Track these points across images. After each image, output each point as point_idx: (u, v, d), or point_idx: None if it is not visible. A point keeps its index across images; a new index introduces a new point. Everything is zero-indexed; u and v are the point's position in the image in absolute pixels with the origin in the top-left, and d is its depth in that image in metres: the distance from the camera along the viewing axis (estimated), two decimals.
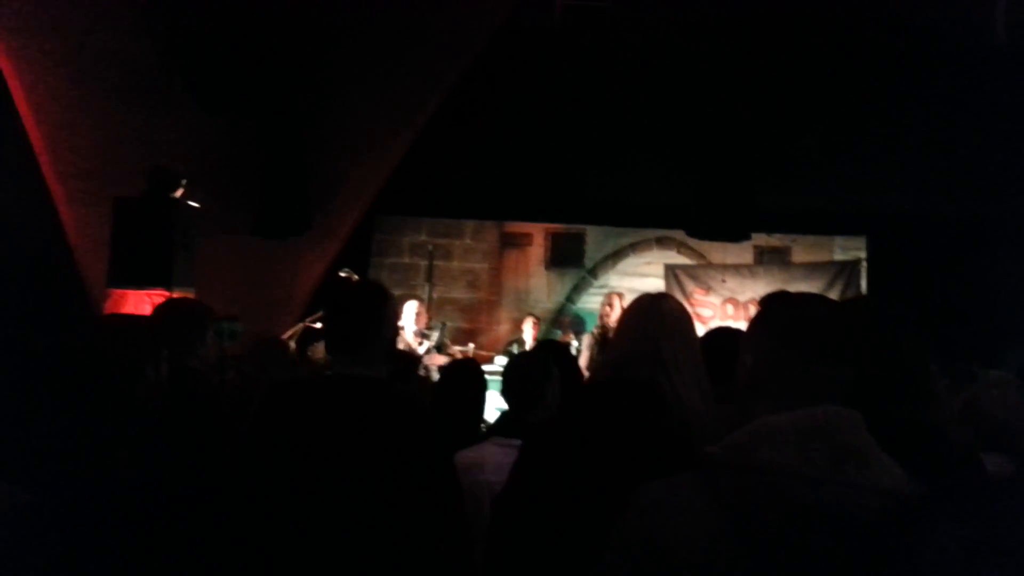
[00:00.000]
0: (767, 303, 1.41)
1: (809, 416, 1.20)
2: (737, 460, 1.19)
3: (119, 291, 5.60)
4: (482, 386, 3.20)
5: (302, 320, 6.38)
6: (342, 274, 6.48)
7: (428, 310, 7.34)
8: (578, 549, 1.79)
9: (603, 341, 6.78)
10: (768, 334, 1.34)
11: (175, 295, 5.22)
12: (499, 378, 2.90)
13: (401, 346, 6.47)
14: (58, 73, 5.97)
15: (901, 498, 1.14)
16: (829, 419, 1.20)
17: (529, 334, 7.58)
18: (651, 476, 1.35)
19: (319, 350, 5.82)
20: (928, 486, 1.17)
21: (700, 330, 2.33)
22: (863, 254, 8.97)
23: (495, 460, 2.52)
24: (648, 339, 2.03)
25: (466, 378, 3.19)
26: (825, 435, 1.18)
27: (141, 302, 5.29)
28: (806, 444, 1.16)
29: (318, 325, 6.14)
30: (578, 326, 8.52)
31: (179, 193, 5.58)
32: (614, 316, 7.06)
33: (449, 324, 8.87)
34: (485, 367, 7.17)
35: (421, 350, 6.59)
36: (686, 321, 2.12)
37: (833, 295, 8.44)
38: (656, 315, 2.08)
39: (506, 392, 2.80)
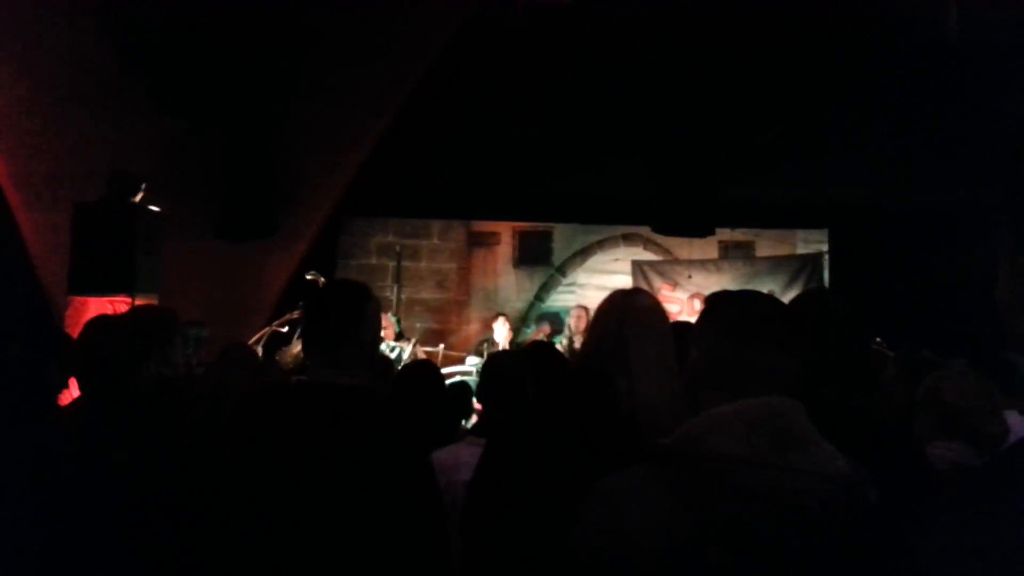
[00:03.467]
0: (712, 300, 1.47)
1: (754, 407, 1.26)
2: (687, 449, 1.24)
3: (81, 298, 5.51)
4: (439, 385, 3.18)
5: (269, 324, 6.33)
6: (309, 276, 6.44)
7: (398, 311, 7.32)
8: (537, 539, 1.82)
9: (572, 351, 6.86)
10: (713, 329, 1.40)
11: (138, 301, 5.15)
12: (469, 378, 2.91)
13: None
14: (14, 76, 5.86)
15: (842, 481, 1.19)
16: (772, 409, 1.26)
17: (501, 333, 7.59)
18: (595, 468, 1.39)
19: (287, 354, 5.78)
20: (866, 470, 1.23)
21: None
22: (825, 247, 9.11)
23: (470, 460, 2.53)
24: (614, 334, 2.05)
25: (423, 378, 3.17)
26: (769, 424, 1.24)
27: (103, 309, 5.21)
28: (751, 433, 1.22)
29: (285, 329, 6.09)
30: (555, 324, 8.54)
31: (140, 197, 5.49)
32: (582, 327, 7.14)
33: (418, 325, 8.87)
34: (456, 367, 7.21)
35: (392, 356, 6.57)
36: (658, 318, 2.12)
37: (796, 288, 8.57)
38: (626, 310, 2.09)
39: (482, 392, 2.81)
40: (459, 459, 2.56)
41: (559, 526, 1.69)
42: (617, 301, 2.15)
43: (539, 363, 2.99)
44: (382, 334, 6.51)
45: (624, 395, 1.96)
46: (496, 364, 2.90)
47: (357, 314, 1.97)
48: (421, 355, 7.27)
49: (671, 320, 2.19)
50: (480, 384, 2.88)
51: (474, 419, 3.77)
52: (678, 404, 1.99)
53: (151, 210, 5.53)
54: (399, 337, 6.95)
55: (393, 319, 7.21)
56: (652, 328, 2.07)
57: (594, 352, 2.10)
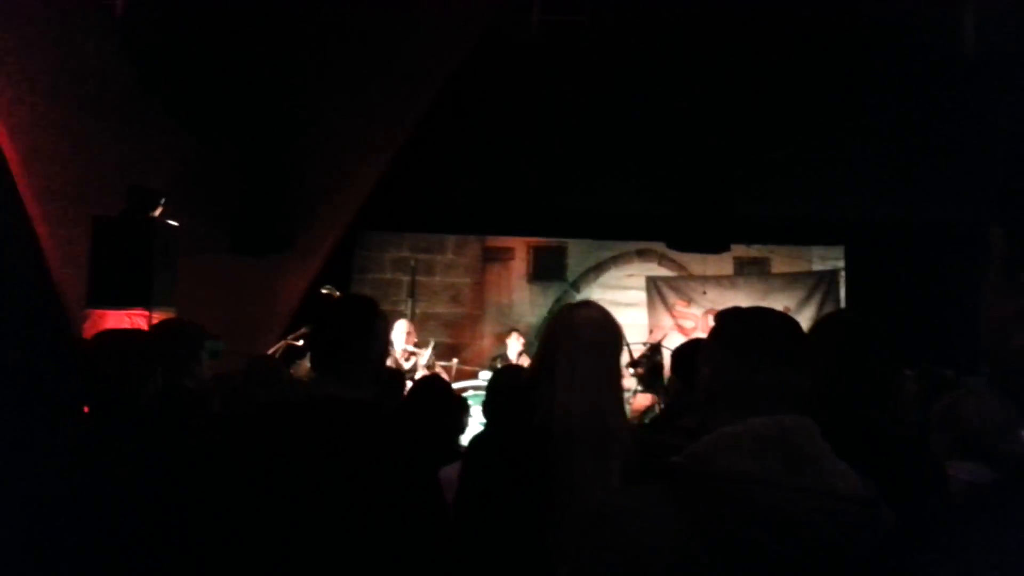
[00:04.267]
0: (721, 317, 1.47)
1: (764, 425, 1.25)
2: (698, 468, 1.23)
3: (98, 311, 5.56)
4: (450, 402, 3.18)
5: (284, 338, 6.35)
6: (324, 291, 6.46)
7: (414, 327, 7.34)
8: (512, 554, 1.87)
9: None
10: (722, 346, 1.40)
11: (155, 315, 5.19)
12: (468, 394, 2.92)
13: (389, 363, 6.45)
14: (35, 92, 5.94)
15: (854, 501, 1.18)
16: (783, 427, 1.25)
17: (515, 348, 7.58)
18: (499, 477, 1.52)
19: (302, 367, 5.80)
20: (882, 491, 1.21)
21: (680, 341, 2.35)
22: (841, 263, 9.05)
23: None
24: (548, 345, 2.07)
25: (433, 395, 3.17)
26: (779, 442, 1.22)
27: (121, 322, 5.25)
28: (762, 452, 1.21)
29: (300, 343, 6.11)
30: None
31: (158, 212, 5.55)
32: None
33: (432, 339, 8.86)
34: (469, 382, 7.21)
35: (407, 366, 6.59)
36: (597, 329, 2.08)
37: (812, 305, 8.51)
38: (565, 322, 2.10)
39: (487, 408, 2.80)
40: (454, 479, 2.56)
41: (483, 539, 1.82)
42: (559, 313, 2.20)
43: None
44: (403, 338, 6.60)
45: (543, 405, 1.97)
46: (500, 380, 2.90)
47: (364, 329, 1.98)
48: (437, 363, 7.28)
49: (687, 337, 2.19)
50: (486, 400, 2.87)
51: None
52: (609, 416, 1.98)
53: (169, 225, 5.59)
54: (418, 345, 6.96)
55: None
56: (586, 341, 2.04)
57: (533, 365, 2.15)
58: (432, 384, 3.36)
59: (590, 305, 2.18)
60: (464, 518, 1.99)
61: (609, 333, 2.11)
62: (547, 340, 2.09)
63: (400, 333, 6.76)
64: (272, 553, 1.78)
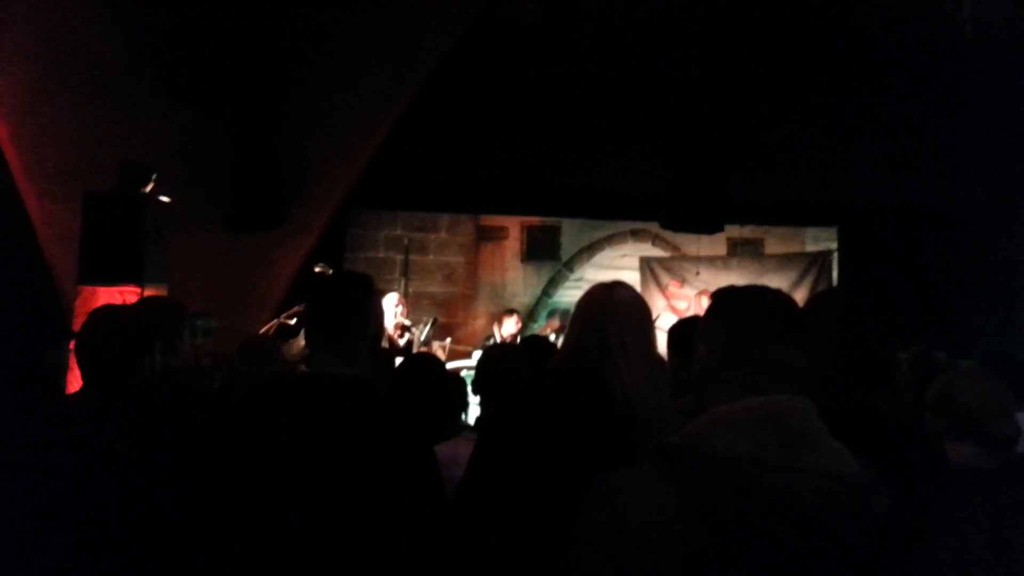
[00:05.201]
0: (718, 295, 1.45)
1: (761, 405, 1.24)
2: (693, 449, 1.22)
3: (90, 288, 5.53)
4: (445, 379, 3.17)
5: (277, 316, 6.33)
6: (317, 269, 6.44)
7: (408, 304, 7.28)
8: (530, 536, 1.82)
9: None
10: (720, 322, 1.38)
11: (147, 292, 5.16)
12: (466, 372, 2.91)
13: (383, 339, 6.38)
14: (26, 68, 5.87)
15: (850, 482, 1.17)
16: (780, 407, 1.24)
17: (509, 329, 7.57)
18: (593, 463, 1.40)
19: (294, 346, 5.79)
20: (881, 472, 1.21)
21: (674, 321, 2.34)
22: (834, 245, 9.07)
23: (468, 456, 2.52)
24: (597, 328, 2.04)
25: (425, 372, 3.15)
26: (776, 422, 1.21)
27: (112, 299, 5.22)
28: (758, 432, 1.20)
29: (293, 321, 6.10)
30: (564, 319, 8.54)
31: (150, 188, 5.51)
32: None
33: (425, 318, 8.85)
34: (462, 362, 7.20)
35: (402, 343, 6.53)
36: (639, 310, 2.11)
37: (805, 286, 8.53)
38: (607, 304, 2.08)
39: (477, 386, 2.80)
40: (457, 455, 2.54)
41: (553, 523, 1.70)
42: (596, 295, 2.14)
43: (532, 356, 2.99)
44: (395, 312, 6.52)
45: (616, 389, 1.95)
46: (489, 358, 2.90)
47: (361, 306, 1.97)
48: (436, 339, 7.21)
49: (680, 317, 2.18)
50: (475, 378, 2.87)
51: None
52: (662, 396, 1.98)
53: (161, 200, 5.54)
54: (413, 322, 6.90)
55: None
56: (633, 323, 2.05)
57: (575, 347, 2.09)
58: (424, 361, 3.35)
59: (625, 286, 2.16)
60: (496, 496, 1.94)
61: (646, 311, 2.13)
62: (593, 323, 2.05)
63: (391, 307, 6.43)
64: (270, 531, 1.77)
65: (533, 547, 1.81)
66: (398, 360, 6.17)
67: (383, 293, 5.96)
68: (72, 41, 5.78)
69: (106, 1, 5.57)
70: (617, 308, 2.06)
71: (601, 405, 1.94)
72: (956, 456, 2.23)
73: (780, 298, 1.42)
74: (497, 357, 2.88)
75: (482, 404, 2.87)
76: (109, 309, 2.36)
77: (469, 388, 3.47)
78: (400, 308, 6.60)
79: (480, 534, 1.95)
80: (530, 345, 3.28)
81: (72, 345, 2.48)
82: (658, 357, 2.11)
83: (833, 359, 1.69)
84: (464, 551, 1.86)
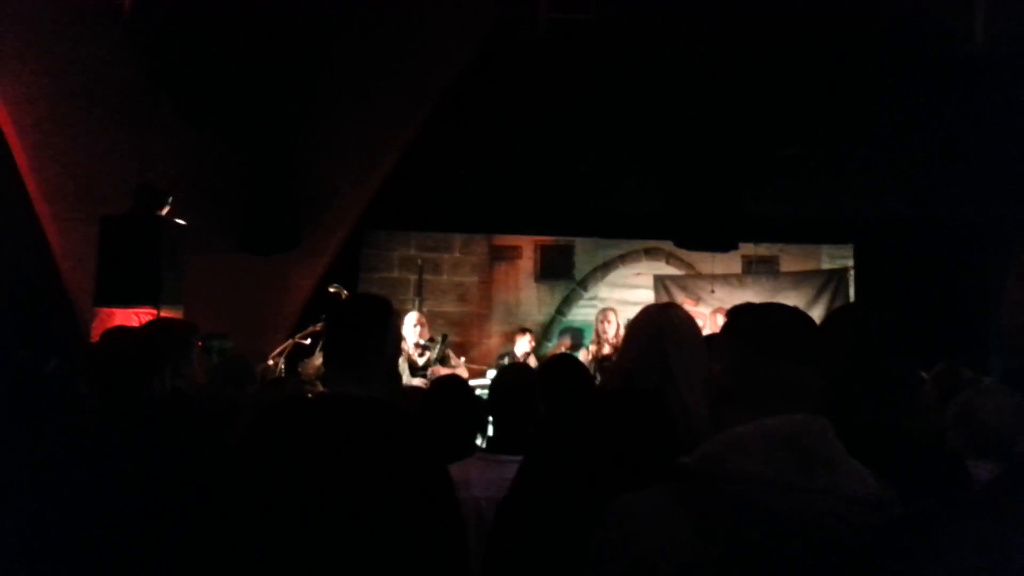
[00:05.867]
0: (733, 312, 1.43)
1: (777, 424, 1.21)
2: (707, 470, 1.20)
3: (106, 310, 5.57)
4: (471, 401, 3.17)
5: (292, 336, 6.35)
6: (332, 289, 6.46)
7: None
8: (577, 557, 1.78)
9: (600, 357, 6.82)
10: (734, 340, 1.36)
11: (163, 313, 5.19)
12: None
13: (402, 359, 6.43)
14: (43, 91, 5.95)
15: (868, 503, 1.15)
16: (796, 427, 1.21)
17: (523, 348, 7.56)
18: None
19: (310, 366, 5.80)
20: (902, 492, 1.18)
21: None
22: (851, 262, 9.01)
23: (481, 476, 2.51)
24: (656, 349, 2.01)
25: (453, 394, 3.16)
26: (793, 443, 1.19)
27: (128, 321, 5.26)
28: (774, 452, 1.18)
29: (308, 341, 6.11)
30: (576, 338, 8.51)
31: (166, 211, 5.56)
32: (611, 331, 7.10)
33: (443, 333, 8.84)
34: (477, 381, 7.19)
35: (421, 362, 6.55)
36: (694, 331, 2.10)
37: (822, 303, 8.47)
38: (665, 325, 2.06)
39: (491, 406, 2.79)
40: (469, 475, 2.53)
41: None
42: (653, 315, 2.12)
43: (556, 375, 2.97)
44: (415, 332, 6.55)
45: (678, 412, 1.93)
46: (503, 378, 2.89)
47: (380, 328, 1.98)
48: (451, 353, 7.21)
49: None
50: (489, 398, 2.86)
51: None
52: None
53: (177, 223, 5.59)
54: (431, 339, 6.92)
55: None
56: (690, 344, 2.04)
57: (634, 367, 2.06)
58: (451, 383, 3.36)
59: (679, 307, 2.16)
60: (550, 522, 1.89)
61: (699, 332, 2.11)
62: (652, 344, 2.02)
63: (411, 326, 6.57)
64: (284, 551, 1.76)
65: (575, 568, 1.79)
66: (415, 380, 6.24)
67: (400, 314, 5.98)
68: (90, 66, 5.86)
69: (124, 27, 5.65)
70: (677, 329, 2.04)
71: (663, 429, 1.91)
72: (981, 473, 2.19)
73: (795, 315, 1.39)
74: (509, 378, 2.87)
75: (495, 425, 2.86)
76: (120, 331, 2.38)
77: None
78: (419, 328, 6.64)
79: (525, 553, 1.92)
80: (556, 364, 3.25)
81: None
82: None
83: (851, 376, 1.67)
84: (474, 570, 1.85)
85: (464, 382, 3.31)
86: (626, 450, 1.89)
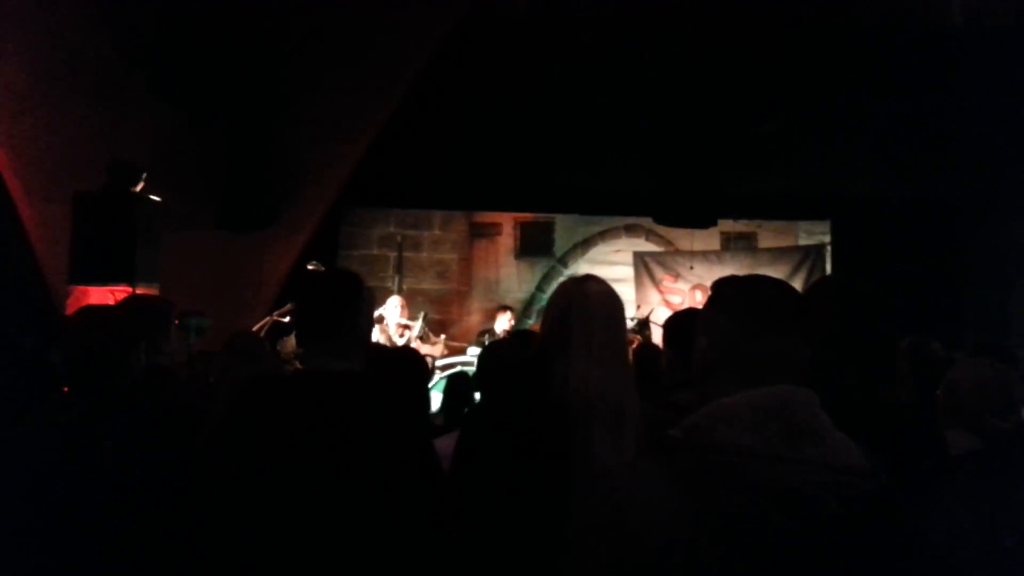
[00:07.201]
0: (718, 285, 1.42)
1: (764, 396, 1.21)
2: (695, 441, 1.20)
3: (81, 288, 5.50)
4: (423, 375, 3.17)
5: (270, 314, 6.32)
6: (310, 267, 6.42)
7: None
8: (502, 524, 1.84)
9: None
10: (719, 314, 1.35)
11: (138, 291, 5.14)
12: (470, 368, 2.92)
13: (383, 338, 6.48)
14: (16, 69, 5.83)
15: (855, 474, 1.16)
16: (783, 398, 1.21)
17: (503, 326, 7.57)
18: (523, 450, 1.51)
19: (288, 344, 5.77)
20: (884, 463, 1.19)
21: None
22: (827, 238, 9.09)
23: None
24: (562, 320, 2.04)
25: (406, 367, 3.14)
26: (779, 414, 1.19)
27: (104, 298, 5.20)
28: (761, 424, 1.18)
29: (286, 319, 6.08)
30: None
31: (140, 187, 5.48)
32: None
33: (422, 311, 8.84)
34: (457, 358, 7.21)
35: (401, 342, 6.60)
36: (607, 302, 2.09)
37: (799, 279, 8.55)
38: (575, 296, 2.07)
39: (478, 381, 2.81)
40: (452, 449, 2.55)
41: (511, 511, 1.81)
42: (566, 288, 2.14)
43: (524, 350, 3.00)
44: (397, 313, 6.63)
45: (558, 379, 1.96)
46: (490, 353, 2.91)
47: (351, 302, 2.00)
48: (430, 332, 7.28)
49: (623, 306, 2.16)
50: (476, 373, 2.88)
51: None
52: (623, 391, 1.98)
53: (151, 200, 5.51)
54: (410, 318, 6.99)
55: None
56: (602, 315, 2.05)
57: (544, 339, 2.11)
58: (406, 355, 3.33)
59: (598, 280, 2.15)
60: (466, 491, 1.97)
61: (619, 308, 2.12)
62: (560, 314, 2.05)
63: (393, 308, 6.80)
64: (267, 526, 1.76)
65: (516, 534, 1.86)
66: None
67: (372, 291, 5.99)
68: (62, 42, 5.74)
69: (97, 2, 5.53)
70: (586, 300, 2.05)
71: (532, 394, 1.99)
72: (960, 444, 2.23)
73: (780, 287, 1.39)
74: (496, 353, 2.89)
75: (482, 398, 2.88)
76: (92, 309, 2.36)
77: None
78: (399, 310, 6.83)
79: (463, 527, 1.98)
80: (522, 339, 3.29)
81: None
82: (627, 353, 2.12)
83: (834, 345, 1.68)
84: (463, 542, 1.86)
85: (418, 357, 3.29)
86: (501, 416, 2.02)
